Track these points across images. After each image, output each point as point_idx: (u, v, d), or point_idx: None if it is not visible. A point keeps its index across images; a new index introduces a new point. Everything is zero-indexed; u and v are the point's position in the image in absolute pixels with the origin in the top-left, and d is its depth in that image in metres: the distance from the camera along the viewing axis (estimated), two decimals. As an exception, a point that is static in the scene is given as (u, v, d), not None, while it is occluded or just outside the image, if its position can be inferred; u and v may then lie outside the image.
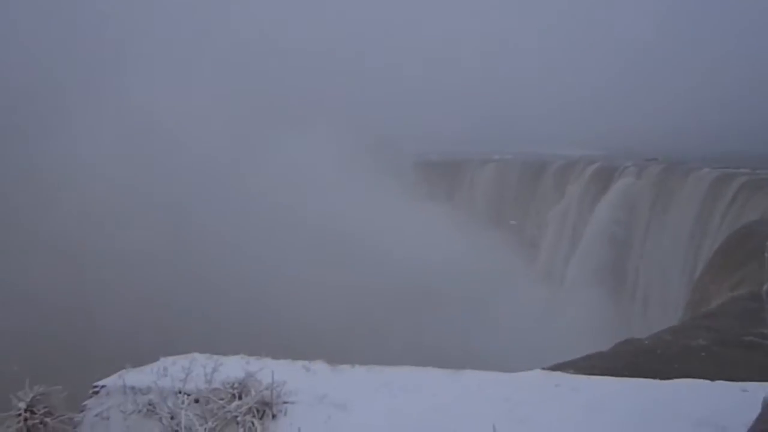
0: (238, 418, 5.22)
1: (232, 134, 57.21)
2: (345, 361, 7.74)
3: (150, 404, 5.70)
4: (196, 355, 7.35)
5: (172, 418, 5.41)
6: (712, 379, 8.24)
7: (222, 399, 5.46)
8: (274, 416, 5.61)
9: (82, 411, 6.54)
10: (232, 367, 6.56)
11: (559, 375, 8.55)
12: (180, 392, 5.73)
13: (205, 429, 5.05)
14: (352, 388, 6.41)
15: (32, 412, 5.88)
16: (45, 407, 5.93)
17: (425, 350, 26.86)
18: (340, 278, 38.39)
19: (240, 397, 5.58)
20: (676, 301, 28.35)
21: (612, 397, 7.20)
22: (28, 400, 6.01)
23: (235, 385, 5.86)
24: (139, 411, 5.73)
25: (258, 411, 5.46)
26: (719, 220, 30.76)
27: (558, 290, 41.72)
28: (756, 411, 4.78)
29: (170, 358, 7.47)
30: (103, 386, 6.85)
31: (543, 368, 9.38)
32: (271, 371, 5.98)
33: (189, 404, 5.38)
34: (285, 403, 5.89)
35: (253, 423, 5.21)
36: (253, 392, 5.68)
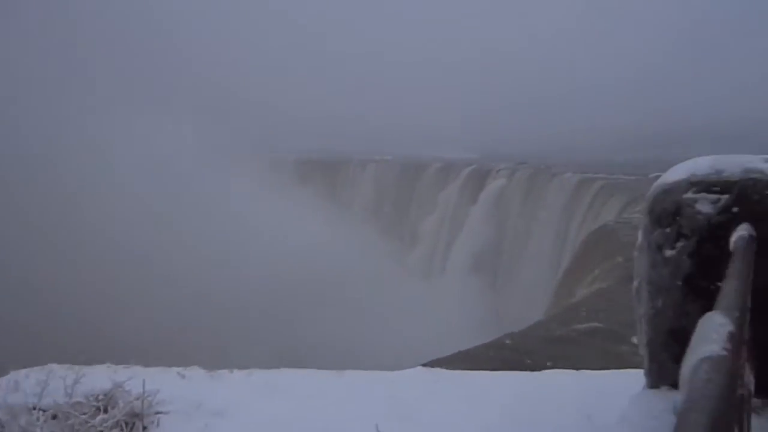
0: (104, 433, 4.78)
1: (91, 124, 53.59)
2: (223, 365, 7.38)
3: (-1, 424, 5.10)
4: (54, 366, 6.64)
5: (25, 437, 4.85)
6: (577, 369, 8.81)
7: (85, 413, 4.97)
8: (145, 428, 5.19)
9: None
10: (97, 378, 5.99)
11: (438, 371, 8.73)
12: (35, 408, 5.15)
13: (66, 447, 4.59)
14: (230, 394, 6.10)
15: None
16: None
17: (307, 350, 26.68)
18: (217, 277, 37.15)
19: (106, 410, 5.11)
20: (545, 296, 30.15)
21: (488, 390, 7.47)
22: None
23: (100, 397, 5.35)
24: (-14, 432, 5.11)
25: (127, 424, 5.03)
26: (580, 220, 33.16)
27: (436, 286, 43.05)
28: (619, 397, 5.15)
29: (23, 371, 6.72)
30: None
31: (423, 365, 9.57)
32: (141, 380, 5.53)
33: (45, 421, 4.85)
34: (158, 413, 5.47)
35: (121, 438, 4.78)
36: (120, 404, 5.22)
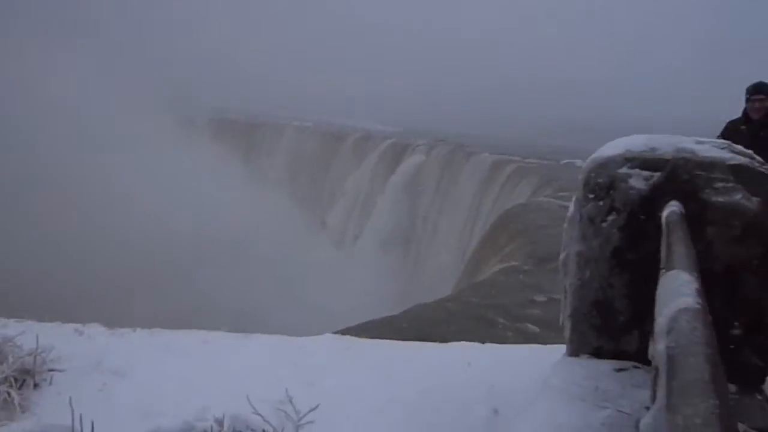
0: (-9, 389, 4.41)
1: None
2: (125, 324, 6.99)
3: None
4: (-64, 320, 6.11)
5: None
6: (483, 342, 9.08)
7: (-31, 368, 4.57)
8: (36, 385, 4.83)
9: None
10: (-14, 331, 5.53)
11: (348, 339, 8.72)
12: None
13: (-55, 403, 4.20)
14: (132, 352, 5.79)
15: None
16: None
17: (213, 312, 26.05)
18: (119, 238, 35.53)
19: (-6, 366, 4.72)
20: (454, 272, 30.89)
21: (397, 359, 7.55)
22: None
23: (-12, 351, 4.94)
24: None
25: (16, 380, 4.66)
26: (492, 200, 34.07)
27: (348, 257, 43.20)
28: (523, 367, 5.32)
29: None
30: None
31: (334, 332, 9.53)
32: (35, 335, 5.14)
33: (-77, 375, 4.43)
34: (51, 371, 5.11)
35: (9, 393, 4.43)
36: (10, 359, 4.84)
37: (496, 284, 19.38)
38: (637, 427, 2.22)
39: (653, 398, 2.00)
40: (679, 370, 0.79)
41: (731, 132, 4.83)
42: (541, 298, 16.52)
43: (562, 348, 6.00)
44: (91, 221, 37.19)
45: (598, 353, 2.97)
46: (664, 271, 1.93)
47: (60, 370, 5.38)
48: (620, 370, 2.78)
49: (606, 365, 2.83)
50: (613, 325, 2.96)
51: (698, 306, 1.01)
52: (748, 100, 4.90)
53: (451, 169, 40.79)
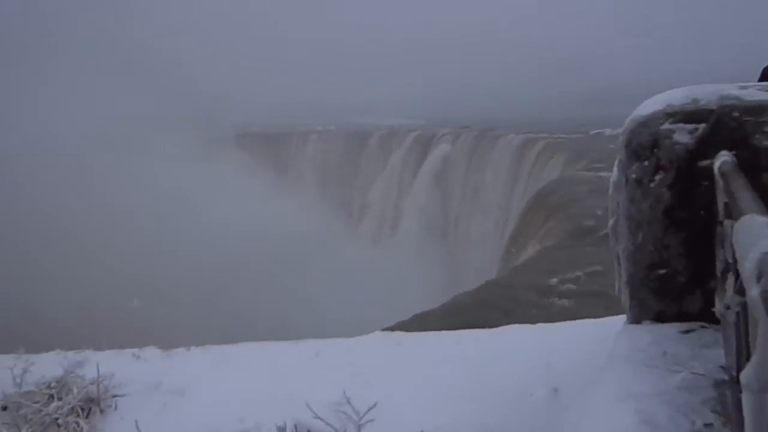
0: (59, 420, 4.49)
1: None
2: (179, 343, 7.08)
3: (-58, 419, 4.74)
4: (-1, 356, 6.24)
5: (-27, 431, 4.52)
6: (534, 323, 8.97)
7: (37, 402, 4.66)
8: (102, 412, 4.91)
9: None
10: (47, 366, 5.65)
11: (399, 334, 8.70)
12: (-19, 401, 4.82)
13: (18, 438, 4.28)
14: (189, 371, 5.86)
15: None
16: None
17: (265, 323, 26.37)
18: (161, 255, 36.21)
19: (59, 398, 4.81)
20: (494, 256, 30.66)
21: (449, 349, 7.51)
22: None
23: (52, 385, 5.04)
24: (-71, 429, 4.75)
25: (83, 410, 4.75)
26: (525, 180, 33.71)
27: (387, 252, 43.20)
28: (574, 346, 5.21)
29: (-35, 363, 6.28)
30: None
31: (383, 329, 9.53)
32: (95, 364, 5.24)
33: (-5, 413, 4.53)
34: (114, 396, 5.19)
35: (77, 423, 4.51)
36: (75, 390, 4.92)
37: (537, 264, 19.18)
38: (715, 386, 2.14)
39: (731, 353, 1.91)
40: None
41: None
42: (584, 270, 16.29)
43: (616, 320, 5.88)
44: (131, 240, 37.94)
45: (660, 318, 2.87)
46: (730, 221, 1.85)
47: (122, 395, 5.49)
48: (687, 332, 2.68)
49: (671, 329, 2.73)
50: (673, 287, 2.86)
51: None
52: None
53: (480, 153, 40.49)
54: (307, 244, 41.97)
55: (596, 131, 42.71)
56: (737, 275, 1.72)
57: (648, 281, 2.87)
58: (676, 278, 2.83)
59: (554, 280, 16.03)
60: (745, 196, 1.46)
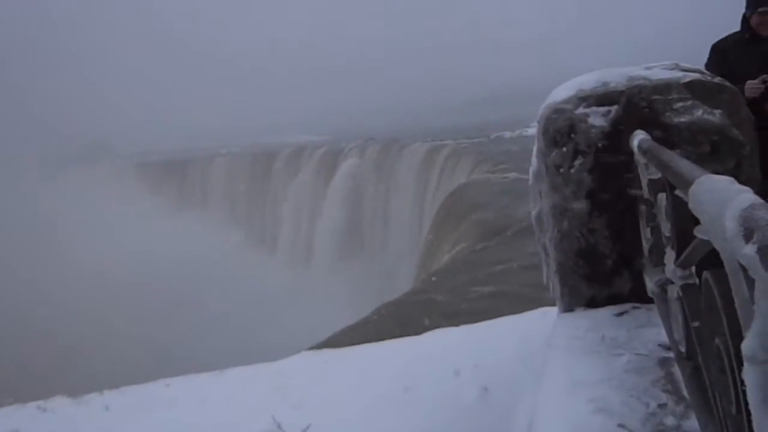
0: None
1: None
2: (91, 388, 6.58)
3: None
4: None
5: None
6: (457, 325, 9.02)
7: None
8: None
9: None
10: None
11: (324, 351, 8.53)
12: None
13: None
14: (105, 418, 5.45)
15: None
16: None
17: (178, 361, 25.17)
18: (61, 300, 34.10)
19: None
20: (411, 265, 30.88)
21: (376, 360, 7.40)
22: None
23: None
24: None
25: (-18, 476, 4.26)
26: (435, 186, 34.30)
27: (304, 274, 42.67)
28: (498, 343, 5.24)
29: None
30: None
31: (309, 348, 9.30)
32: (-5, 421, 4.74)
33: None
34: (19, 456, 4.73)
35: (-25, 493, 4.04)
36: (-29, 454, 4.44)
37: (454, 268, 19.44)
38: (660, 365, 2.11)
39: (677, 329, 1.89)
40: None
41: (730, 52, 4.08)
42: (499, 268, 16.66)
43: (536, 313, 5.97)
44: (34, 283, 35.68)
45: (592, 303, 2.87)
46: (665, 193, 1.82)
47: (28, 455, 4.98)
48: (620, 314, 2.68)
49: (605, 313, 2.73)
50: (602, 271, 2.87)
51: (760, 199, 0.87)
52: (753, 15, 4.01)
53: (387, 164, 40.88)
54: (221, 270, 40.82)
55: (496, 134, 44.25)
56: (679, 248, 1.69)
57: (577, 268, 2.86)
58: (604, 261, 2.84)
59: (471, 282, 16.28)
60: (684, 163, 1.42)
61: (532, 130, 3.25)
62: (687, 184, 1.17)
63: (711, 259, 1.10)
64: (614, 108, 2.75)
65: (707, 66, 3.87)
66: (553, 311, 3.85)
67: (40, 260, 38.44)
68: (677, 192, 1.45)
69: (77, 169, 51.97)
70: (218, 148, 62.54)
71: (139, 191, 54.78)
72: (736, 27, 4.09)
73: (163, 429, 4.98)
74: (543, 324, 4.35)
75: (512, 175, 26.27)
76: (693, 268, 1.67)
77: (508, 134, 44.09)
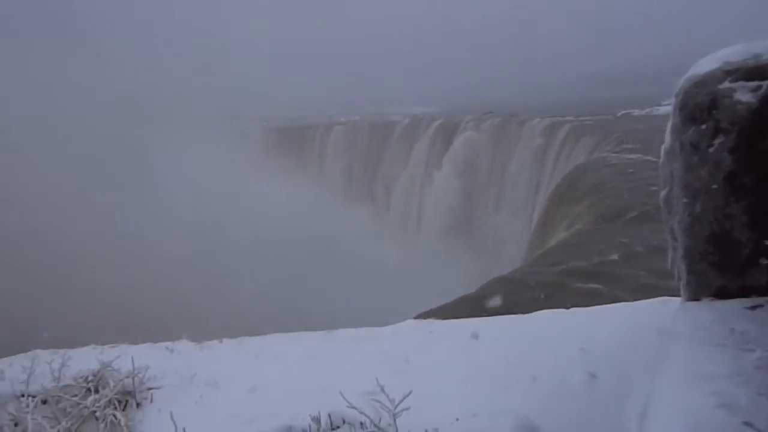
0: (97, 413, 4.47)
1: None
2: (210, 337, 7.11)
3: (-14, 414, 4.75)
4: (38, 352, 6.32)
5: (16, 425, 4.53)
6: (567, 308, 8.77)
7: (75, 395, 4.66)
8: (138, 404, 4.91)
9: None
10: (84, 360, 5.68)
11: (431, 322, 8.60)
12: (23, 395, 4.84)
13: (58, 430, 4.27)
14: (222, 363, 5.84)
15: None
16: None
17: (295, 321, 26.39)
18: (191, 250, 36.65)
19: (96, 391, 4.80)
20: (522, 242, 30.29)
21: (482, 336, 7.37)
22: None
23: (89, 378, 5.05)
24: (-27, 423, 4.76)
25: (120, 402, 4.73)
26: (552, 164, 33.22)
27: (414, 244, 43.09)
28: (608, 329, 5.05)
29: (6, 359, 6.37)
30: None
31: (415, 317, 9.42)
32: (130, 357, 5.24)
33: (36, 406, 4.53)
34: (150, 389, 5.19)
35: (115, 416, 4.49)
36: (111, 383, 4.93)
37: (567, 248, 18.84)
38: None
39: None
40: None
41: None
42: (614, 256, 15.98)
43: (648, 303, 5.67)
44: (161, 235, 38.56)
45: (721, 293, 2.67)
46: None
47: (158, 388, 5.47)
48: (753, 307, 2.48)
49: (735, 305, 2.53)
50: (736, 260, 2.65)
51: None
52: None
53: (504, 139, 40.00)
54: (334, 238, 42.05)
55: (623, 112, 41.88)
56: None
57: (707, 254, 2.67)
58: (740, 250, 2.62)
59: (584, 264, 15.75)
60: None
61: (664, 109, 3.05)
62: None
63: None
64: (766, 84, 2.51)
65: None
66: (673, 302, 3.65)
67: (200, 219, 41.29)
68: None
69: (210, 130, 55.71)
70: (338, 116, 64.07)
71: (263, 154, 57.55)
72: None
73: (270, 380, 5.29)
74: (659, 314, 4.15)
75: (635, 156, 24.91)
76: None
77: (636, 112, 41.62)
